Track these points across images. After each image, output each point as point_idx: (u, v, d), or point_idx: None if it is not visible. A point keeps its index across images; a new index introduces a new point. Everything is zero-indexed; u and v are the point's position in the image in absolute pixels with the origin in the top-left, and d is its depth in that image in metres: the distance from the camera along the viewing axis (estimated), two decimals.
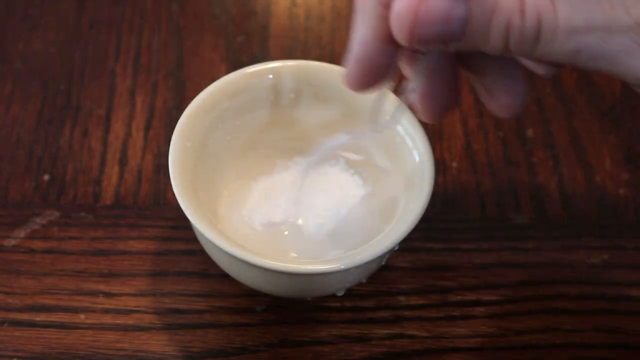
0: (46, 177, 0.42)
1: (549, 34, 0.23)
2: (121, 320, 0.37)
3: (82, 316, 0.37)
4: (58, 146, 0.44)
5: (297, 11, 0.51)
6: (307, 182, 0.38)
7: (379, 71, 0.26)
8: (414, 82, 0.27)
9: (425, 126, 0.34)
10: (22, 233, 0.40)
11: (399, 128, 0.35)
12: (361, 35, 0.25)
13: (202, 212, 0.33)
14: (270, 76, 0.37)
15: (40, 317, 0.37)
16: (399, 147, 0.36)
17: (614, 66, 0.23)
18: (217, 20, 0.50)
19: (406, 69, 0.28)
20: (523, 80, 0.27)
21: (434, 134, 0.45)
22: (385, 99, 0.32)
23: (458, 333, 0.38)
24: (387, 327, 0.38)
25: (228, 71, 0.45)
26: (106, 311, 0.38)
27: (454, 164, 0.44)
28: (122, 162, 0.43)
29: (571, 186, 0.43)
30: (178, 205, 0.32)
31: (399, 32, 0.23)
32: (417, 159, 0.34)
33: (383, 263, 0.37)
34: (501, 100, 0.27)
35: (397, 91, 0.30)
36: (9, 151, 0.43)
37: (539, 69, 0.28)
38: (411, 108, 0.30)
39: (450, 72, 0.27)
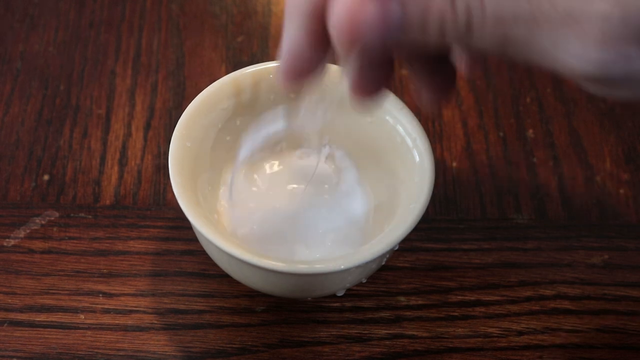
0: (46, 177, 0.42)
1: (478, 25, 0.23)
2: (121, 320, 0.37)
3: (82, 316, 0.37)
4: (58, 146, 0.44)
5: None
6: (308, 183, 0.38)
7: (309, 71, 0.27)
8: (345, 70, 0.27)
9: (425, 126, 0.34)
10: (21, 233, 0.40)
11: (399, 128, 0.35)
12: (290, 38, 0.26)
13: (202, 212, 0.32)
14: (271, 76, 0.37)
15: (40, 318, 0.37)
16: (399, 147, 0.36)
17: (544, 59, 0.23)
18: (217, 20, 0.50)
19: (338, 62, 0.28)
20: (451, 77, 0.28)
21: (434, 134, 0.45)
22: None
23: (458, 333, 0.38)
24: (387, 327, 0.38)
25: (228, 71, 0.46)
26: (106, 311, 0.38)
27: (454, 164, 0.44)
28: (122, 163, 0.43)
29: (571, 186, 0.43)
30: (178, 205, 0.32)
31: (338, 37, 0.24)
32: (417, 159, 0.34)
33: (383, 263, 0.37)
34: (429, 94, 0.28)
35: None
36: (8, 151, 0.43)
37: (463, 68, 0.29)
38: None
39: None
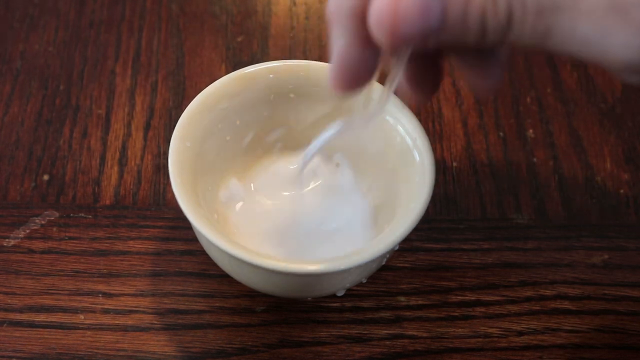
0: (45, 177, 0.42)
1: (519, 15, 0.23)
2: (121, 320, 0.37)
3: (82, 316, 0.37)
4: (57, 146, 0.44)
5: (297, 11, 0.51)
6: (308, 183, 0.38)
7: (362, 75, 0.27)
8: (395, 73, 0.27)
9: (425, 126, 0.34)
10: (21, 233, 0.40)
11: (399, 128, 0.35)
12: (339, 44, 0.26)
13: (202, 212, 0.32)
14: (271, 76, 0.37)
15: (40, 318, 0.37)
16: (399, 147, 0.36)
17: (587, 49, 0.23)
18: (217, 20, 0.50)
19: (388, 62, 0.28)
20: (499, 65, 0.28)
21: (434, 134, 0.45)
22: (371, 89, 0.32)
23: (458, 333, 0.38)
24: (387, 328, 0.38)
25: (228, 71, 0.46)
26: (106, 311, 0.38)
27: (454, 164, 0.44)
28: (122, 162, 0.43)
29: (571, 186, 0.43)
30: (178, 205, 0.32)
31: (380, 34, 0.24)
32: (417, 159, 0.34)
33: (383, 263, 0.37)
34: (479, 82, 0.28)
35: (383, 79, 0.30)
36: (8, 151, 0.43)
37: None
38: (397, 93, 0.31)
39: (429, 59, 0.28)
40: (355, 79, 0.27)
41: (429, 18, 0.23)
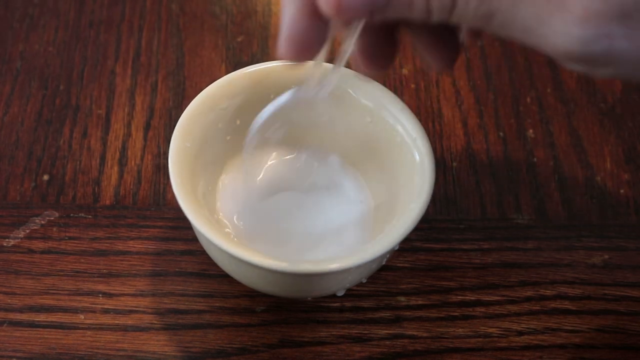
0: (45, 177, 0.42)
1: (463, 0, 0.23)
2: (121, 320, 0.37)
3: (82, 316, 0.37)
4: (57, 146, 0.44)
5: None
6: (308, 183, 0.38)
7: (311, 45, 0.27)
8: (347, 45, 0.28)
9: (425, 126, 0.34)
10: (21, 233, 0.40)
11: (399, 128, 0.35)
12: (289, 14, 0.27)
13: (202, 212, 0.32)
14: (271, 76, 0.37)
15: (40, 318, 0.37)
16: (399, 147, 0.36)
17: (527, 35, 0.23)
18: (217, 20, 0.50)
19: (339, 34, 0.28)
20: (453, 42, 0.28)
21: (434, 134, 0.45)
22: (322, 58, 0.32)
23: (458, 333, 0.38)
24: (387, 328, 0.38)
25: (228, 71, 0.46)
26: (106, 311, 0.38)
27: (454, 164, 0.44)
28: (122, 163, 0.43)
29: (571, 186, 0.43)
30: (178, 205, 0.32)
31: (327, 8, 0.24)
32: (417, 159, 0.34)
33: (383, 263, 0.37)
34: (437, 55, 0.29)
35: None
36: (8, 151, 0.43)
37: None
38: (350, 65, 0.31)
39: (383, 33, 0.29)
40: (303, 48, 0.27)
41: None
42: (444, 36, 0.28)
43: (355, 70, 0.34)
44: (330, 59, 0.31)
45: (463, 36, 0.29)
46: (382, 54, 0.29)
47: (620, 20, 0.22)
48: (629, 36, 0.22)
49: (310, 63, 0.30)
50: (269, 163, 0.39)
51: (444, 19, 0.25)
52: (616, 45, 0.23)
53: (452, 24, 0.25)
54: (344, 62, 0.30)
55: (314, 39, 0.27)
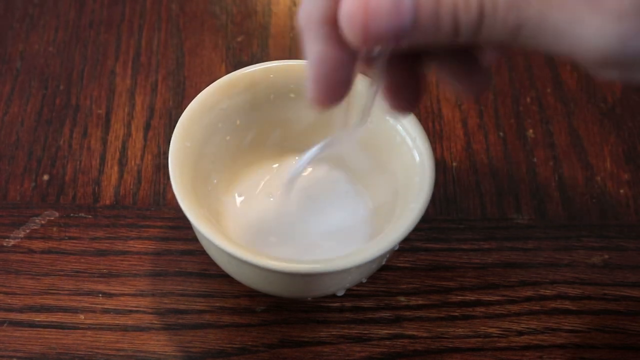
0: (45, 177, 0.42)
1: (490, 9, 0.23)
2: (121, 320, 0.37)
3: (82, 316, 0.37)
4: (57, 146, 0.44)
5: (297, 11, 0.51)
6: (308, 184, 0.38)
7: (340, 84, 0.26)
8: (375, 83, 0.27)
9: (425, 126, 0.34)
10: (21, 233, 0.40)
11: (399, 128, 0.35)
12: (314, 53, 0.25)
13: (202, 212, 0.32)
14: (271, 76, 0.37)
15: (40, 318, 0.37)
16: (399, 147, 0.36)
17: (559, 41, 0.22)
18: (217, 20, 0.50)
19: (366, 72, 0.28)
20: (479, 69, 0.28)
21: (434, 134, 0.45)
22: (352, 101, 0.32)
23: (458, 333, 0.38)
24: (387, 328, 0.38)
25: (228, 71, 0.46)
26: (106, 311, 0.38)
27: (454, 164, 0.44)
28: (122, 162, 0.43)
29: (571, 186, 0.43)
30: (178, 205, 0.32)
31: (352, 34, 0.23)
32: (417, 159, 0.34)
33: (383, 263, 0.37)
34: (462, 88, 0.28)
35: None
36: (8, 151, 0.43)
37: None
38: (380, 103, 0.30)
39: (408, 66, 0.28)
40: (334, 88, 0.26)
41: (400, 15, 0.23)
42: (468, 65, 0.27)
43: (384, 110, 0.34)
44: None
45: (488, 59, 0.28)
46: (408, 91, 0.28)
47: None
48: None
49: (298, 62, 0.29)
50: (270, 163, 0.40)
51: (471, 37, 0.23)
52: None
53: (480, 44, 0.24)
54: (374, 99, 0.29)
55: (344, 76, 0.26)
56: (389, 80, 0.27)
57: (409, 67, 0.27)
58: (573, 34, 0.22)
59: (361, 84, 0.29)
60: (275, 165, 0.40)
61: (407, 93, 0.28)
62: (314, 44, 0.25)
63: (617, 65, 0.22)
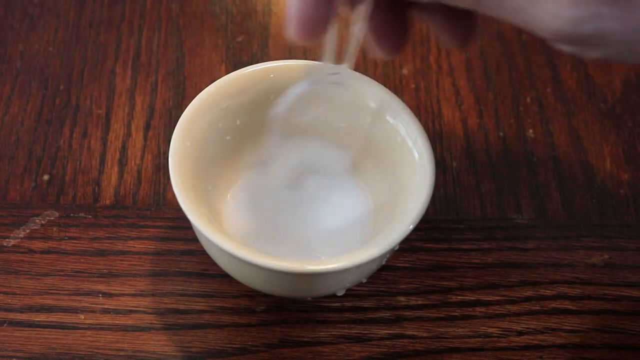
0: (45, 177, 0.42)
1: None
2: (121, 320, 0.37)
3: (82, 316, 0.37)
4: (57, 146, 0.44)
5: None
6: (308, 184, 0.38)
7: (320, 20, 0.27)
8: (358, 25, 0.27)
9: (425, 126, 0.34)
10: (21, 233, 0.40)
11: (399, 128, 0.35)
12: None
13: (202, 212, 0.32)
14: (271, 76, 0.37)
15: (40, 318, 0.37)
16: (399, 147, 0.36)
17: (517, 15, 0.23)
18: (217, 20, 0.50)
19: (349, 13, 0.28)
20: (469, 16, 0.28)
21: (434, 134, 0.45)
22: (333, 42, 0.32)
23: (458, 333, 0.38)
24: (387, 328, 0.38)
25: (228, 71, 0.46)
26: (106, 311, 0.38)
27: (454, 164, 0.44)
28: (122, 162, 0.43)
29: (571, 186, 0.43)
30: (178, 205, 0.32)
31: None
32: (417, 158, 0.34)
33: (383, 263, 0.37)
34: (452, 34, 0.28)
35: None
36: (8, 151, 0.43)
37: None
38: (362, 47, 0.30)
39: (391, 11, 0.28)
40: (313, 23, 0.27)
41: None
42: (457, 14, 0.28)
43: (369, 52, 0.34)
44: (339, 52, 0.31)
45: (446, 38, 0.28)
46: (394, 34, 0.29)
47: (609, 1, 0.22)
48: (617, 17, 0.23)
49: (299, 62, 0.29)
50: (270, 163, 0.40)
51: None
52: (605, 26, 0.23)
53: (444, 2, 0.25)
54: (358, 43, 0.29)
55: (324, 13, 0.26)
56: (374, 22, 0.28)
57: (395, 11, 0.28)
58: (530, 11, 0.23)
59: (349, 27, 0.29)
60: (275, 165, 0.40)
61: (392, 36, 0.29)
62: None
63: (569, 42, 0.24)
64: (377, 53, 0.29)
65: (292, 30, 0.27)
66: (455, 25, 0.28)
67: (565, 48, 0.24)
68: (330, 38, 0.30)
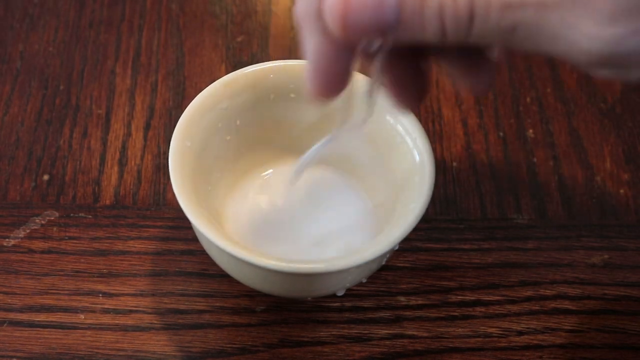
0: (45, 177, 0.42)
1: (482, 11, 0.22)
2: (121, 320, 0.37)
3: (82, 316, 0.37)
4: (57, 146, 0.44)
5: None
6: (308, 184, 0.38)
7: (338, 77, 0.27)
8: (376, 78, 0.27)
9: (425, 126, 0.34)
10: (21, 233, 0.40)
11: (399, 128, 0.35)
12: (311, 46, 0.26)
13: (202, 212, 0.32)
14: (271, 76, 0.37)
15: (40, 318, 0.37)
16: (399, 147, 0.36)
17: (553, 43, 0.23)
18: (217, 20, 0.50)
19: (368, 68, 0.28)
20: (487, 64, 0.27)
21: (434, 134, 0.45)
22: (354, 97, 0.32)
23: (458, 333, 0.38)
24: (387, 327, 0.38)
25: (228, 71, 0.46)
26: (106, 311, 0.38)
27: (454, 164, 0.44)
28: (122, 162, 0.43)
29: (571, 186, 0.43)
30: (178, 205, 0.32)
31: (333, 24, 0.24)
32: (417, 158, 0.34)
33: (383, 263, 0.37)
34: (469, 83, 0.28)
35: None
36: (8, 151, 0.43)
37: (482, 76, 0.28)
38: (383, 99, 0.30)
39: (408, 63, 0.28)
40: (332, 81, 0.27)
41: (382, 10, 0.23)
42: (474, 59, 0.27)
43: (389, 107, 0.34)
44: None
45: (495, 55, 0.28)
46: (412, 86, 0.28)
47: None
48: None
49: (298, 62, 0.29)
50: (270, 163, 0.40)
51: (461, 39, 0.23)
52: None
53: (472, 44, 0.24)
54: (376, 93, 0.29)
55: (341, 69, 0.26)
56: (392, 76, 0.28)
57: (412, 63, 0.28)
58: (567, 37, 0.22)
59: (364, 81, 0.29)
60: (270, 172, 0.40)
61: (411, 89, 0.28)
62: (311, 37, 0.26)
63: (611, 66, 0.23)
64: (397, 104, 0.29)
65: (314, 88, 0.27)
66: (475, 72, 0.27)
67: (605, 73, 0.23)
68: (347, 93, 0.30)
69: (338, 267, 0.31)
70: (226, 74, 0.37)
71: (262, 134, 0.39)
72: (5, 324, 0.37)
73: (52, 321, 0.37)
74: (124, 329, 0.37)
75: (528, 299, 0.39)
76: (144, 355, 0.36)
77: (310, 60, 0.26)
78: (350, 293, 0.38)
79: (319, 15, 0.25)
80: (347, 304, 0.38)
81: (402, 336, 0.37)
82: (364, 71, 0.28)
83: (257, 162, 0.39)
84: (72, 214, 0.41)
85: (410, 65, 0.27)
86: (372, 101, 0.29)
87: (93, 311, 0.38)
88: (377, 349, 0.37)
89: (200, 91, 0.36)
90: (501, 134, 0.45)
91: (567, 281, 0.40)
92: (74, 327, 0.37)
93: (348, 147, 0.38)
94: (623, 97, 0.47)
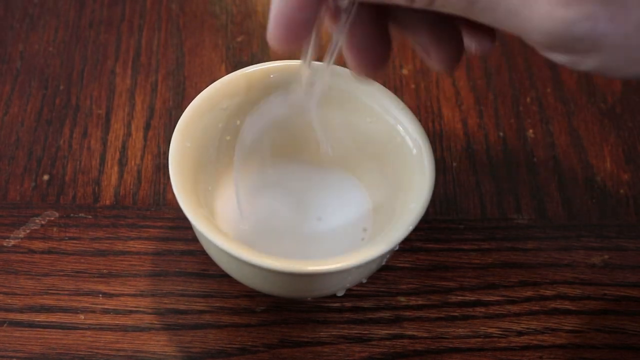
0: (45, 177, 0.42)
1: None
2: (121, 320, 0.37)
3: (82, 316, 0.37)
4: (57, 146, 0.44)
5: None
6: (308, 184, 0.39)
7: (301, 26, 0.26)
8: (338, 38, 0.27)
9: (425, 126, 0.34)
10: (21, 233, 0.40)
11: (399, 128, 0.35)
12: None
13: (202, 212, 0.32)
14: (271, 76, 0.37)
15: (40, 318, 0.37)
16: (399, 147, 0.36)
17: (510, 19, 0.23)
18: (217, 20, 0.50)
19: (329, 25, 0.28)
20: (456, 37, 0.28)
21: (434, 134, 0.45)
22: (309, 61, 0.32)
23: (458, 333, 0.38)
24: (387, 328, 0.38)
25: (228, 71, 0.46)
26: (106, 312, 0.38)
27: (454, 164, 0.44)
28: (122, 163, 0.43)
29: (571, 186, 0.43)
30: (178, 205, 0.32)
31: None
32: (417, 159, 0.34)
33: (383, 263, 0.37)
34: (436, 56, 0.28)
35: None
36: (8, 151, 0.43)
37: (471, 43, 0.28)
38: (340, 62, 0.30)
39: (374, 27, 0.28)
40: (294, 29, 0.26)
41: None
42: (442, 36, 0.27)
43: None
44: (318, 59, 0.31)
45: (481, 48, 0.28)
46: (373, 50, 0.28)
47: (604, 2, 0.22)
48: (612, 18, 0.22)
49: (299, 62, 0.29)
50: (270, 163, 0.40)
51: (427, 4, 0.24)
52: (600, 28, 0.22)
53: (436, 11, 0.24)
54: (334, 57, 0.29)
55: (305, 18, 0.26)
56: (355, 37, 0.28)
57: (377, 27, 0.28)
58: (523, 14, 0.22)
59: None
60: (275, 165, 0.40)
61: (372, 53, 0.28)
62: None
63: (563, 48, 0.23)
64: (355, 69, 0.29)
65: (273, 33, 0.26)
66: (441, 46, 0.27)
67: (559, 58, 0.24)
68: (310, 44, 0.29)
69: (338, 267, 0.31)
70: (226, 74, 0.37)
71: (262, 134, 0.39)
72: (5, 324, 0.37)
73: (52, 321, 0.37)
74: (124, 329, 0.37)
75: (528, 299, 0.39)
76: (144, 355, 0.36)
77: (276, 4, 0.26)
78: (350, 293, 0.38)
79: None
80: (347, 304, 0.38)
81: (402, 336, 0.37)
82: (326, 29, 0.28)
83: (257, 162, 0.39)
84: (72, 214, 0.41)
85: (375, 29, 0.28)
86: (328, 63, 0.29)
87: (93, 311, 0.38)
88: (377, 349, 0.37)
89: (200, 91, 0.36)
90: (501, 134, 0.45)
91: (567, 281, 0.40)
92: (74, 327, 0.37)
93: (355, 142, 0.37)
94: (623, 97, 0.47)
